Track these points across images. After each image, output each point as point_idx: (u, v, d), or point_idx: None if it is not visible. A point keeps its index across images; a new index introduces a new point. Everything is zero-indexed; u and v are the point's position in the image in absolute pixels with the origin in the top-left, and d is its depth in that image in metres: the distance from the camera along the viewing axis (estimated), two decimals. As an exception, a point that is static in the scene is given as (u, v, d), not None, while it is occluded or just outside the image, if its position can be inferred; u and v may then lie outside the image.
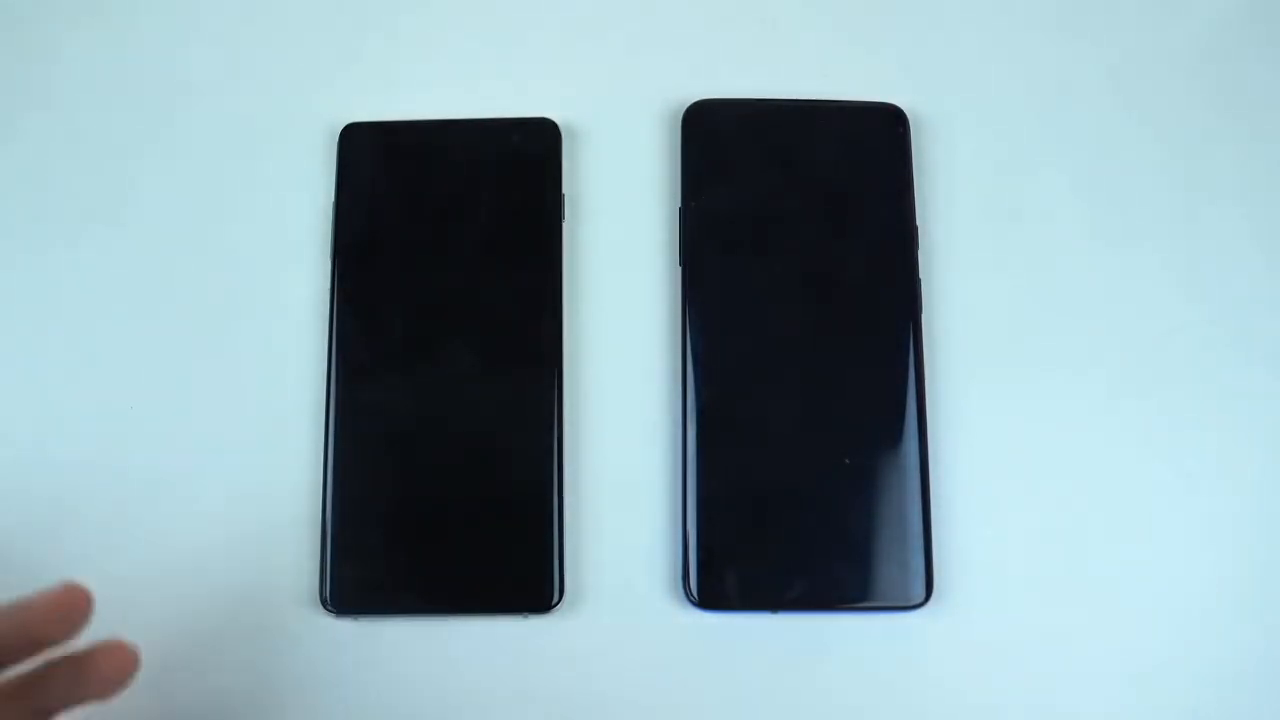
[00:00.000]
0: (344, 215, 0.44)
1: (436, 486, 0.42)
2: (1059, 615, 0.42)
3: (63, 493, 0.43)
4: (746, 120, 0.45)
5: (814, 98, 0.46)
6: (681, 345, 0.43)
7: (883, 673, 0.42)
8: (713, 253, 0.44)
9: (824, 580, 0.41)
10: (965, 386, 0.44)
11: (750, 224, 0.44)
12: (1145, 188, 0.46)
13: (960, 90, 0.46)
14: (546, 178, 0.45)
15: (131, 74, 0.47)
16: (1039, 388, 0.44)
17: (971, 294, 0.44)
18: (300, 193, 0.45)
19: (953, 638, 0.42)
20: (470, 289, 0.44)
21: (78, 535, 0.43)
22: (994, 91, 0.46)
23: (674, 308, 0.44)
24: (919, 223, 0.44)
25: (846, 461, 0.42)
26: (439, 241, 0.44)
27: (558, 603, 0.41)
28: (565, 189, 0.45)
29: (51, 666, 0.34)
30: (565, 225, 0.45)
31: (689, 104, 0.45)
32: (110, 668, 0.34)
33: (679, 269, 0.44)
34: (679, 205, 0.45)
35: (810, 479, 0.42)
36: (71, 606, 0.33)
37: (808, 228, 0.44)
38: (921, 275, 0.44)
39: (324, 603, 0.41)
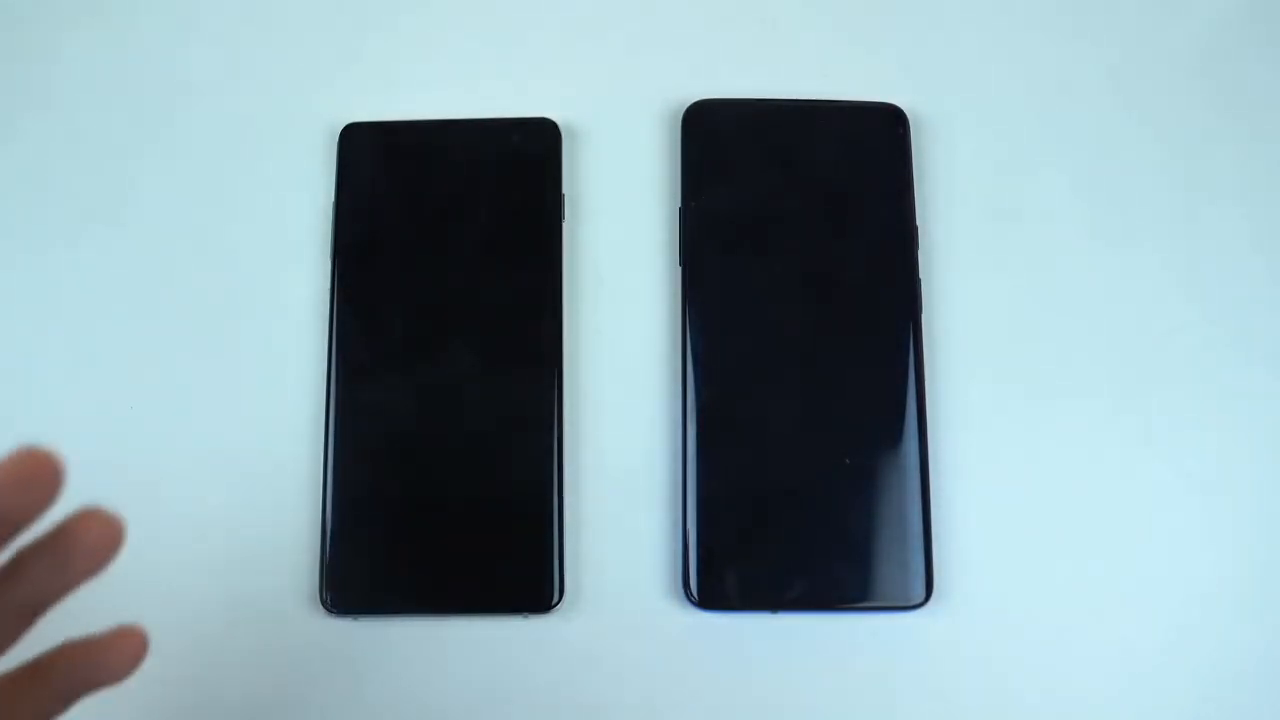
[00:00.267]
0: (344, 215, 0.44)
1: (436, 486, 0.42)
2: (1059, 615, 0.42)
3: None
4: (746, 120, 0.45)
5: (814, 98, 0.46)
6: (681, 345, 0.43)
7: (883, 673, 0.42)
8: (713, 253, 0.44)
9: (824, 580, 0.41)
10: (965, 386, 0.44)
11: (750, 224, 0.44)
12: (1145, 188, 0.46)
13: (960, 90, 0.46)
14: (546, 178, 0.45)
15: (131, 74, 0.47)
16: (1039, 388, 0.44)
17: (971, 294, 0.44)
18: (300, 193, 0.45)
19: (953, 638, 0.42)
20: (470, 289, 0.44)
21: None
22: (994, 91, 0.46)
23: (674, 308, 0.44)
24: (919, 223, 0.44)
25: (846, 461, 0.42)
26: (439, 241, 0.44)
27: (558, 603, 0.41)
28: (565, 189, 0.45)
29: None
30: (565, 225, 0.45)
31: (689, 104, 0.45)
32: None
33: (679, 269, 0.44)
34: (679, 205, 0.45)
35: (810, 479, 0.42)
36: (34, 474, 0.28)
37: (808, 228, 0.44)
38: (921, 275, 0.44)
39: (324, 603, 0.41)
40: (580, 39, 0.47)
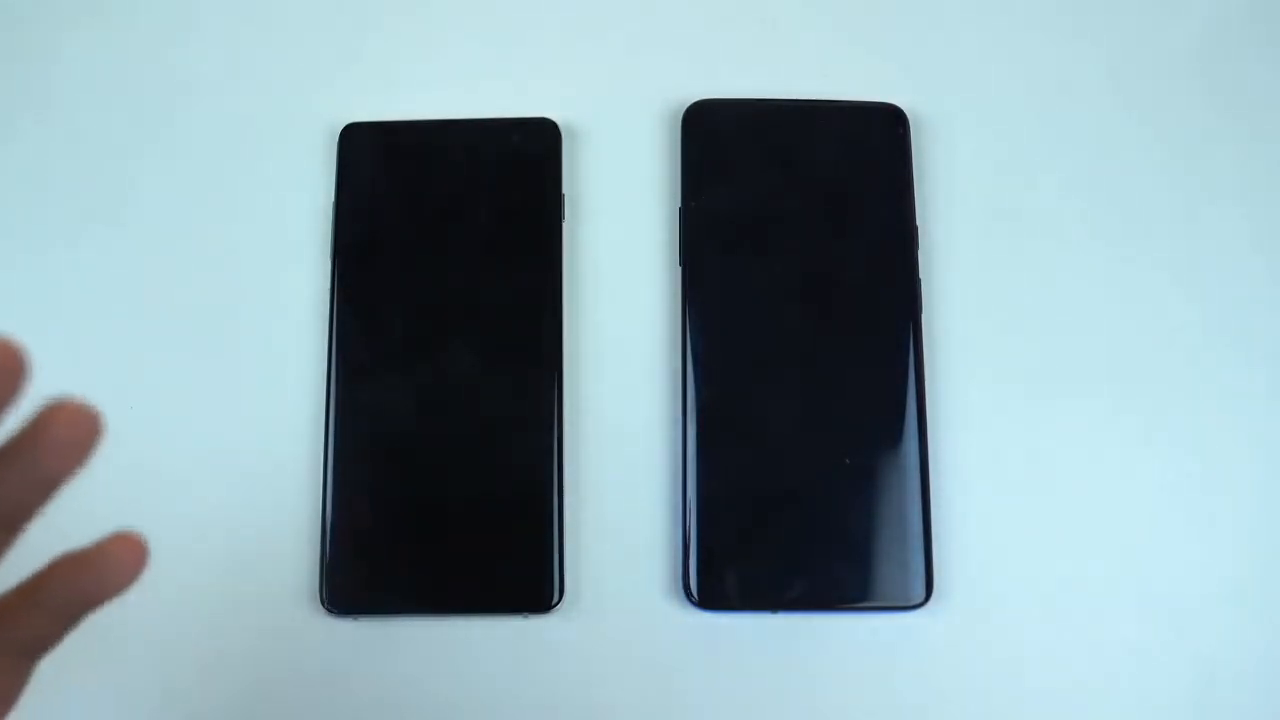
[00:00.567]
0: (344, 215, 0.44)
1: (436, 486, 0.42)
2: (1059, 615, 0.42)
3: (63, 492, 0.43)
4: (746, 120, 0.45)
5: (814, 98, 0.46)
6: (681, 345, 0.43)
7: (883, 673, 0.42)
8: (713, 253, 0.44)
9: (824, 580, 0.41)
10: (965, 386, 0.44)
11: (750, 224, 0.44)
12: (1145, 188, 0.45)
13: (960, 90, 0.46)
14: (546, 178, 0.45)
15: (131, 74, 0.47)
16: (1039, 387, 0.44)
17: (971, 294, 0.44)
18: (300, 193, 0.45)
19: (953, 638, 0.42)
20: (470, 289, 0.44)
21: (77, 535, 0.42)
22: (994, 91, 0.46)
23: (674, 308, 0.44)
24: (919, 223, 0.44)
25: (846, 461, 0.42)
26: (439, 241, 0.44)
27: (558, 603, 0.41)
28: (565, 189, 0.45)
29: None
30: (565, 225, 0.45)
31: (689, 104, 0.45)
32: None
33: (679, 269, 0.44)
34: (679, 205, 0.45)
35: (810, 479, 0.42)
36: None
37: (808, 228, 0.44)
38: (921, 275, 0.44)
39: (324, 603, 0.41)
40: (580, 39, 0.47)
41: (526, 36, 0.47)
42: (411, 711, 0.41)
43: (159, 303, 0.44)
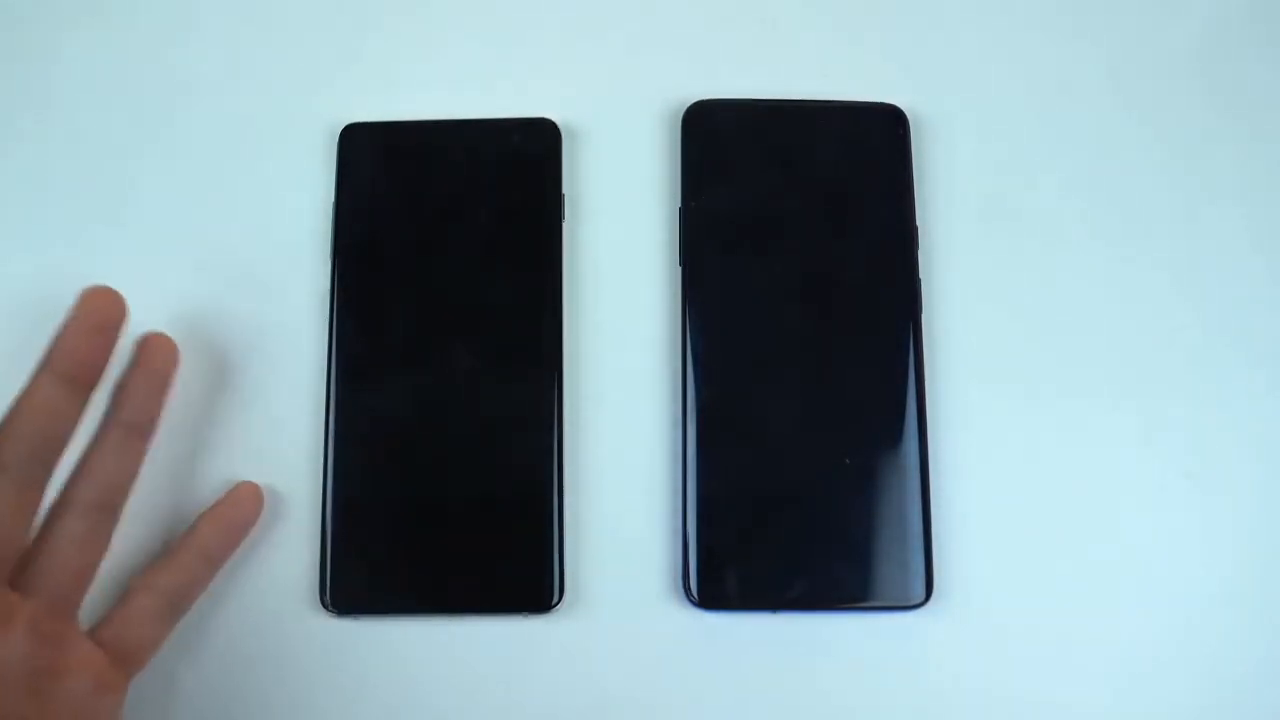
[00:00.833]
0: (344, 215, 0.44)
1: (436, 486, 0.42)
2: (1059, 615, 0.42)
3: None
4: (746, 120, 0.45)
5: (814, 98, 0.46)
6: (681, 345, 0.43)
7: (883, 673, 0.42)
8: (713, 253, 0.44)
9: (824, 580, 0.41)
10: (965, 386, 0.44)
11: (750, 224, 0.44)
12: (1145, 188, 0.46)
13: (960, 90, 0.46)
14: (546, 178, 0.45)
15: (131, 74, 0.47)
16: (1039, 388, 0.44)
17: (971, 294, 0.44)
18: (300, 193, 0.45)
19: (953, 638, 0.42)
20: (470, 289, 0.44)
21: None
22: (994, 91, 0.46)
23: (674, 308, 0.44)
24: (919, 223, 0.44)
25: (846, 461, 0.42)
26: (439, 242, 0.44)
27: (558, 603, 0.41)
28: (565, 189, 0.45)
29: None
30: (565, 225, 0.45)
31: (689, 104, 0.45)
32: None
33: (679, 269, 0.44)
34: (679, 205, 0.45)
35: (810, 479, 0.42)
36: (105, 317, 0.38)
37: (808, 228, 0.44)
38: (921, 275, 0.44)
39: (324, 603, 0.41)
40: (580, 39, 0.47)
41: (526, 36, 0.47)
42: (411, 711, 0.41)
43: (159, 303, 0.44)
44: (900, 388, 0.43)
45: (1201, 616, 0.42)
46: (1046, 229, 0.45)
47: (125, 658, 0.38)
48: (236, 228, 0.45)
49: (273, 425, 0.43)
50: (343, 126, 0.45)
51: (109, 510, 0.38)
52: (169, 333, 0.41)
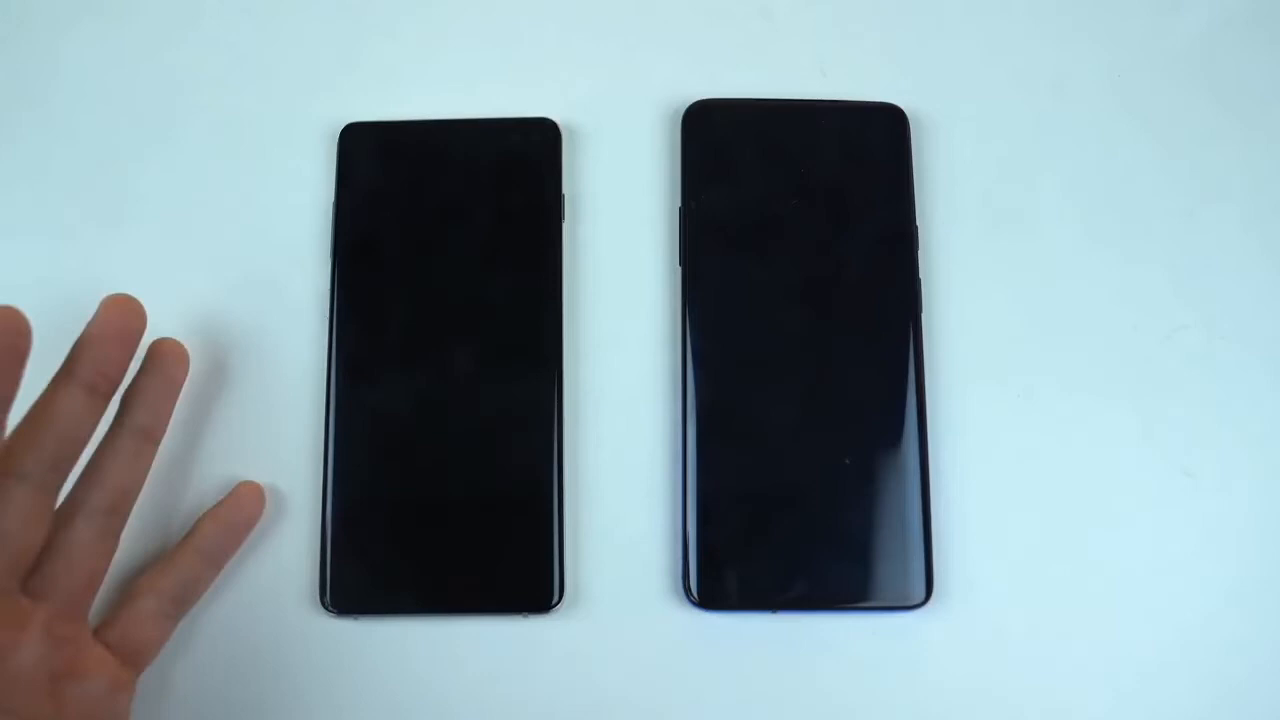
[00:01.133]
0: (344, 215, 0.44)
1: (436, 486, 0.42)
2: (1059, 615, 0.42)
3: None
4: (746, 120, 0.45)
5: (814, 98, 0.46)
6: (681, 345, 0.43)
7: (883, 673, 0.42)
8: (713, 253, 0.44)
9: (824, 580, 0.41)
10: (965, 386, 0.44)
11: (750, 224, 0.44)
12: (1145, 188, 0.46)
13: (960, 90, 0.46)
14: (546, 178, 0.45)
15: (131, 74, 0.47)
16: (1039, 388, 0.44)
17: (971, 294, 0.44)
18: (300, 193, 0.45)
19: (953, 638, 0.42)
20: (470, 289, 0.44)
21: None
22: (994, 91, 0.46)
23: (674, 308, 0.44)
24: (919, 223, 0.44)
25: (846, 462, 0.42)
26: (439, 241, 0.44)
27: (558, 603, 0.41)
28: (565, 189, 0.45)
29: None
30: (565, 225, 0.45)
31: (689, 104, 0.45)
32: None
33: (679, 269, 0.44)
34: (679, 205, 0.45)
35: (810, 479, 0.42)
36: (128, 325, 0.38)
37: (808, 228, 0.44)
38: (921, 275, 0.44)
39: (324, 603, 0.41)
40: (580, 39, 0.47)
41: (526, 36, 0.47)
42: (412, 711, 0.41)
43: (159, 303, 0.44)
44: (900, 388, 0.43)
45: (1202, 615, 0.42)
46: (1046, 229, 0.45)
47: (130, 658, 0.39)
48: (236, 228, 0.45)
49: (273, 425, 0.43)
50: (343, 126, 0.45)
51: (118, 514, 0.39)
52: (168, 334, 0.41)
